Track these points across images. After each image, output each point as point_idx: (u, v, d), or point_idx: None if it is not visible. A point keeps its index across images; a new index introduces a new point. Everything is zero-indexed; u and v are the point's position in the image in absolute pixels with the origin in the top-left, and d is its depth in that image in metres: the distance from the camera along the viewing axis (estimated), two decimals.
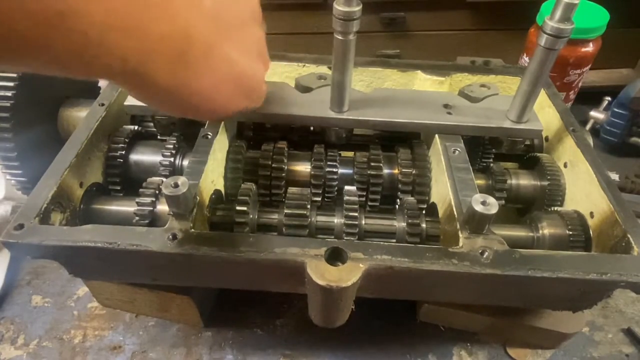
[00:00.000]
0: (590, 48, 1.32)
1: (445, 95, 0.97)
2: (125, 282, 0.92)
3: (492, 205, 0.67)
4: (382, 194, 0.91)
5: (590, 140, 0.96)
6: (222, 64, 0.58)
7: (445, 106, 0.93)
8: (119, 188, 0.90)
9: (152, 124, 0.96)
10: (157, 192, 0.80)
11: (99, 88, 1.17)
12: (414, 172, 0.89)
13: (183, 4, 0.49)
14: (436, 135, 0.90)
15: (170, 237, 0.68)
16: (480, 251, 0.69)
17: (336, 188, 0.90)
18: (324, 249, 0.67)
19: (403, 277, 0.69)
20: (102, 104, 0.91)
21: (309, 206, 0.79)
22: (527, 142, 1.03)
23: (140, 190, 0.81)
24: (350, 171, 0.91)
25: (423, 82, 1.07)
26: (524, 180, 0.95)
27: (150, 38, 0.46)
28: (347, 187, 0.86)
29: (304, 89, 0.96)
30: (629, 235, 0.73)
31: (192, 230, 0.70)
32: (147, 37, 0.46)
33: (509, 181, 0.94)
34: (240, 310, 1.03)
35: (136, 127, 0.95)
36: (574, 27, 0.73)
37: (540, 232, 0.83)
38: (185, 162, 0.89)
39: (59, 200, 0.76)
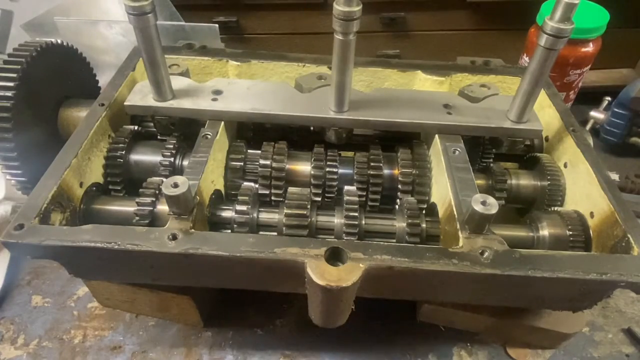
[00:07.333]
0: (590, 48, 1.32)
1: (445, 95, 0.97)
2: (125, 282, 0.92)
3: (492, 205, 0.67)
4: (382, 194, 0.91)
5: (590, 140, 0.96)
6: None
7: (445, 106, 0.93)
8: (119, 188, 0.90)
9: (152, 124, 0.96)
10: (157, 192, 0.80)
11: (99, 88, 1.17)
12: (414, 172, 0.89)
13: None
14: (436, 135, 0.90)
15: (170, 237, 0.68)
16: (480, 251, 0.69)
17: (336, 188, 0.90)
18: (324, 249, 0.67)
19: (403, 277, 0.69)
20: (102, 104, 0.91)
21: (309, 206, 0.79)
22: (527, 142, 1.03)
23: (140, 190, 0.81)
24: (351, 171, 0.91)
25: (423, 82, 1.07)
26: (524, 180, 0.95)
27: None
28: (347, 187, 0.86)
29: (304, 89, 0.96)
30: (629, 235, 0.73)
31: (192, 230, 0.70)
32: None
33: (509, 181, 0.94)
34: (240, 310, 1.03)
35: (136, 127, 0.95)
36: (574, 27, 0.74)
37: (540, 232, 0.83)
38: (185, 162, 0.89)
39: (59, 200, 0.76)
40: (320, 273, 0.64)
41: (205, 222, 0.79)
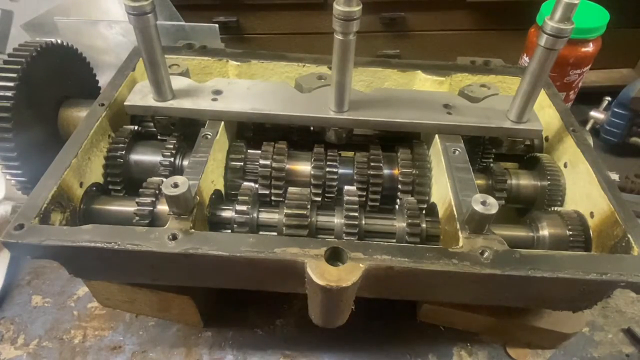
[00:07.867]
0: (590, 48, 1.32)
1: (445, 95, 0.97)
2: (125, 282, 0.92)
3: (492, 205, 0.67)
4: (382, 194, 0.90)
5: (590, 140, 0.96)
6: None
7: (445, 106, 0.93)
8: (119, 188, 0.90)
9: (152, 124, 0.96)
10: (157, 192, 0.80)
11: (99, 88, 1.17)
12: (414, 172, 0.89)
13: None
14: (436, 135, 0.90)
15: (170, 237, 0.68)
16: (480, 251, 0.69)
17: (336, 188, 0.90)
18: (324, 249, 0.67)
19: (403, 277, 0.69)
20: (102, 104, 0.91)
21: (309, 206, 0.79)
22: (527, 142, 1.03)
23: (140, 190, 0.81)
24: (351, 171, 0.91)
25: (423, 82, 1.07)
26: (524, 181, 0.95)
27: None
28: (347, 187, 0.86)
29: (304, 89, 0.96)
30: (629, 235, 0.73)
31: (192, 230, 0.70)
32: None
33: (509, 181, 0.94)
34: (240, 310, 1.03)
35: (136, 127, 0.95)
36: (574, 27, 0.74)
37: (540, 232, 0.83)
38: (185, 162, 0.89)
39: (59, 200, 0.76)
40: (320, 273, 0.64)
41: (205, 222, 0.79)
